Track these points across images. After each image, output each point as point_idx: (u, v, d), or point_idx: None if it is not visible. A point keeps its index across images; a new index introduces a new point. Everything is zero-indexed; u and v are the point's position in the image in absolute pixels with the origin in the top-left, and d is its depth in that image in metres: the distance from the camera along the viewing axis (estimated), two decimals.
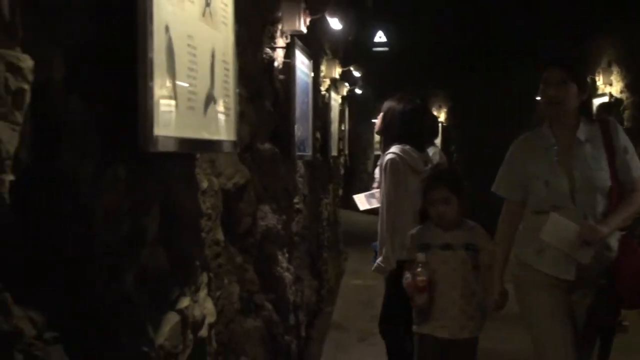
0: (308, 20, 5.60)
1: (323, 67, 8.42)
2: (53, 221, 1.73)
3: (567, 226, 3.76)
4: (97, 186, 1.89)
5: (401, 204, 4.94)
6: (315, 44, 7.28)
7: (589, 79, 10.50)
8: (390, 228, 4.94)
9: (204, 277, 2.89)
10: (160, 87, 2.00)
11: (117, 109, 1.94)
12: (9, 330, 1.54)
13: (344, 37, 9.97)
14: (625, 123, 9.64)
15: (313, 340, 7.04)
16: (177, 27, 2.14)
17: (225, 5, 2.71)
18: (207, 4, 2.46)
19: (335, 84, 9.47)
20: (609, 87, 10.33)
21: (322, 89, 8.41)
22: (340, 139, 11.37)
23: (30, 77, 1.56)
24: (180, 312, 2.50)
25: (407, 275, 4.08)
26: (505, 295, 4.01)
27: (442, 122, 17.99)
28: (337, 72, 9.00)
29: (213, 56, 2.52)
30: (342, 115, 11.57)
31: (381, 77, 15.93)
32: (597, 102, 10.55)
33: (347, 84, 11.18)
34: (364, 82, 14.71)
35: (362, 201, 6.34)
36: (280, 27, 5.26)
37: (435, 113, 18.16)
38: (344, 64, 10.60)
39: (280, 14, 5.22)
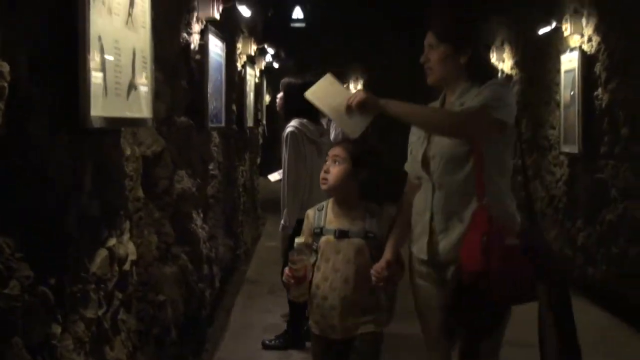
0: (221, 7, 6.33)
1: (239, 45, 9.16)
2: (22, 173, 2.48)
3: (339, 89, 3.58)
4: (50, 149, 2.65)
5: (300, 170, 5.78)
6: (232, 23, 8.03)
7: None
8: (291, 191, 5.78)
9: (127, 225, 3.67)
10: (95, 80, 2.77)
11: (65, 96, 2.71)
12: None
13: (261, 16, 10.72)
14: (515, 97, 10.61)
15: (228, 293, 7.85)
16: (106, 35, 2.91)
17: (144, 12, 3.48)
18: (129, 14, 3.23)
19: (251, 60, 10.19)
20: (502, 63, 11.29)
21: (239, 65, 9.15)
22: (259, 110, 12.08)
23: (8, 77, 2.31)
24: (109, 249, 3.28)
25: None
26: (392, 265, 3.55)
27: None
28: (252, 49, 9.74)
29: (134, 54, 3.30)
30: (260, 88, 12.30)
31: (302, 51, 16.66)
32: None
33: (267, 56, 11.78)
34: (286, 55, 15.44)
35: (274, 176, 7.04)
36: (196, 14, 5.99)
37: (352, 85, 19.00)
38: (263, 40, 11.35)
39: (196, 3, 5.95)
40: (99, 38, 2.81)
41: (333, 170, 3.77)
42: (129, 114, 3.28)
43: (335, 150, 3.81)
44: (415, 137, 3.62)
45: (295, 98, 5.68)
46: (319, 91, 3.63)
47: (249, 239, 10.58)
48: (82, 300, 2.94)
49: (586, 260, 7.94)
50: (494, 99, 3.32)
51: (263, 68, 12.18)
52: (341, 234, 3.71)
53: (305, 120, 5.82)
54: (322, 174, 3.83)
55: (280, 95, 6.12)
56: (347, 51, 17.31)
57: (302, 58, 17.05)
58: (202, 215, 6.17)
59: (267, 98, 13.53)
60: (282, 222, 5.79)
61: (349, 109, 3.44)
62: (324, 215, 3.81)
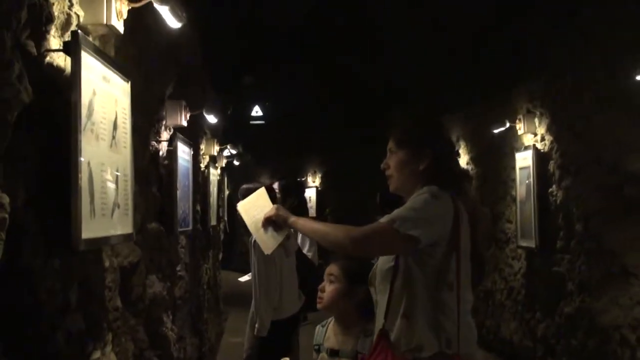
0: (188, 115, 6.55)
1: (203, 146, 9.39)
2: (17, 295, 2.63)
3: (264, 204, 3.68)
4: (42, 273, 2.80)
5: (270, 274, 5.94)
6: (196, 127, 8.25)
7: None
8: (263, 295, 5.92)
9: (109, 336, 3.79)
10: (85, 205, 2.94)
11: (57, 223, 2.87)
12: None
13: (222, 115, 10.98)
14: (471, 192, 10.92)
15: None
16: (94, 159, 3.09)
17: (125, 133, 3.67)
18: (113, 137, 3.42)
19: (213, 160, 10.40)
20: (458, 158, 11.62)
21: (202, 165, 9.35)
22: (220, 206, 12.26)
23: (8, 209, 2.47)
24: None
25: None
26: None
27: (317, 187, 19.11)
28: (215, 149, 9.96)
29: (117, 173, 3.48)
30: (221, 185, 12.50)
31: (261, 145, 16.98)
32: None
33: (228, 151, 12.01)
34: (244, 150, 15.70)
35: (245, 278, 7.17)
36: (164, 122, 6.20)
37: (310, 178, 19.29)
38: (224, 139, 11.60)
39: (164, 112, 6.17)
40: (88, 164, 2.99)
41: (328, 289, 3.73)
42: (113, 232, 3.44)
43: (331, 269, 3.76)
44: None
45: None
46: (248, 204, 3.75)
47: (213, 335, 10.63)
48: None
49: (546, 351, 8.12)
50: (407, 212, 3.16)
51: (224, 165, 12.41)
52: (332, 353, 3.67)
53: None
54: (319, 293, 3.77)
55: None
56: (305, 145, 17.63)
57: (262, 152, 17.37)
58: (171, 317, 6.27)
59: (227, 192, 13.71)
60: (256, 326, 5.90)
61: (264, 224, 3.55)
62: (325, 331, 3.80)
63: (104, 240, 3.36)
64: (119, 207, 3.50)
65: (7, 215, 2.44)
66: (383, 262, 3.28)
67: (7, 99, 2.46)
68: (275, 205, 3.57)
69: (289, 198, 6.93)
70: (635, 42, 6.05)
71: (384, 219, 3.17)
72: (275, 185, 6.84)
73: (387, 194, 4.09)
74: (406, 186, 3.37)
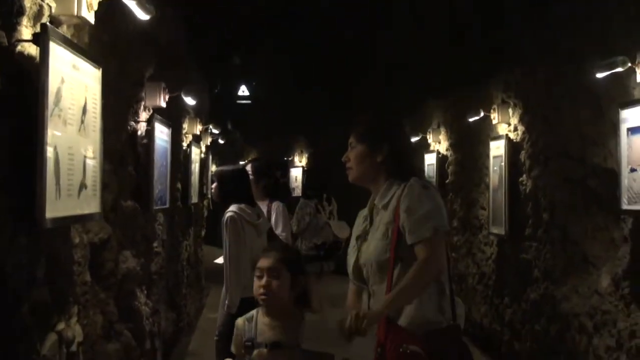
0: (167, 96, 6.73)
1: (185, 125, 9.56)
2: None
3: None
4: (9, 250, 3.01)
5: (241, 252, 6.12)
6: (178, 106, 8.43)
7: (417, 138, 12.04)
8: (233, 272, 6.10)
9: (74, 309, 4.01)
10: (50, 186, 3.14)
11: (23, 204, 3.07)
12: None
13: (208, 94, 11.17)
14: (450, 177, 11.14)
15: None
16: (61, 144, 3.29)
17: (95, 117, 3.86)
18: (82, 122, 3.61)
19: (197, 139, 10.57)
20: (438, 144, 11.83)
21: (184, 144, 9.53)
22: (204, 184, 12.42)
23: None
24: (58, 332, 3.63)
25: None
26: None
27: (303, 167, 19.32)
28: (197, 129, 10.12)
29: (85, 157, 3.68)
30: (206, 162, 12.67)
31: (249, 124, 17.14)
32: (427, 157, 12.08)
33: (210, 130, 12.15)
34: (233, 127, 15.87)
35: (220, 260, 7.33)
36: (143, 102, 6.38)
37: (297, 158, 19.48)
38: (209, 117, 11.77)
39: (143, 94, 6.35)
40: (55, 148, 3.19)
41: (274, 285, 3.73)
42: (79, 211, 3.65)
43: (269, 263, 3.76)
44: (351, 245, 3.72)
45: (229, 185, 6.09)
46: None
47: (192, 310, 10.86)
48: None
49: (512, 335, 8.35)
50: (426, 214, 3.43)
51: (209, 143, 12.57)
52: (274, 346, 3.67)
53: (243, 205, 6.18)
54: (260, 290, 3.75)
55: (214, 185, 6.46)
56: (291, 126, 17.78)
57: (248, 131, 17.52)
58: (145, 291, 6.48)
59: (213, 168, 13.84)
60: (226, 302, 6.09)
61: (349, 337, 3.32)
62: (254, 326, 3.76)
63: (71, 219, 3.57)
64: (86, 187, 3.70)
65: None
66: (378, 254, 3.49)
67: None
68: (353, 312, 3.29)
69: (262, 179, 7.11)
70: (602, 39, 6.22)
71: (427, 233, 3.39)
72: (249, 168, 7.01)
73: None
74: (365, 177, 3.68)
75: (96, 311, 4.78)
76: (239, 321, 3.88)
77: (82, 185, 3.65)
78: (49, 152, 3.11)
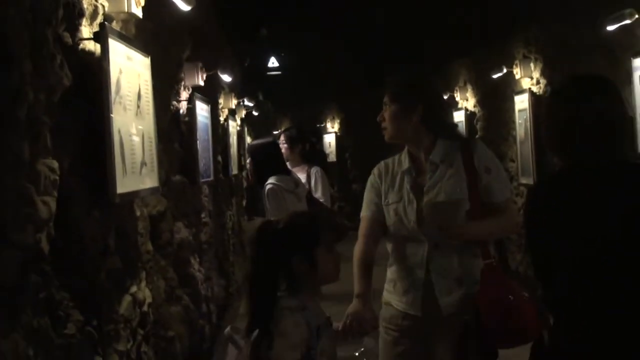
0: (204, 75, 7.14)
1: (221, 100, 9.97)
2: (66, 241, 3.28)
3: None
4: (86, 222, 3.46)
5: None
6: (214, 83, 8.85)
7: (445, 96, 12.33)
8: None
9: (142, 274, 4.47)
10: (118, 165, 3.58)
11: (96, 182, 3.52)
12: (51, 298, 3.09)
13: (239, 68, 11.56)
14: (479, 133, 11.48)
15: (223, 328, 8.53)
16: (123, 128, 3.72)
17: (148, 101, 4.29)
18: (138, 106, 4.05)
19: (232, 113, 10.97)
20: (466, 102, 12.16)
21: (221, 119, 9.94)
22: (242, 155, 12.82)
23: (58, 172, 3.10)
24: (132, 295, 4.10)
25: None
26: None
27: (336, 132, 19.72)
28: (233, 103, 10.53)
29: (143, 137, 4.12)
30: (242, 134, 13.07)
31: (280, 95, 17.49)
32: (456, 115, 12.39)
33: (243, 103, 12.52)
34: (265, 98, 16.23)
35: None
36: (183, 82, 6.80)
37: (329, 124, 19.86)
38: (242, 92, 12.17)
39: (183, 74, 6.77)
40: (119, 131, 3.63)
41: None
42: (142, 186, 4.09)
43: None
44: (397, 198, 3.65)
45: (262, 157, 6.56)
46: None
47: (240, 277, 11.31)
48: (115, 337, 3.74)
49: None
50: (503, 179, 3.69)
51: (244, 116, 12.94)
52: None
53: (279, 176, 6.59)
54: None
55: (249, 160, 6.86)
56: (322, 94, 18.09)
57: (281, 101, 17.89)
58: (198, 259, 6.94)
59: (248, 139, 14.19)
60: None
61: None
62: None
63: (135, 193, 4.03)
64: (145, 165, 4.14)
65: (57, 177, 3.08)
66: (454, 204, 3.51)
67: (52, 85, 3.09)
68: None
69: (297, 146, 7.52)
70: None
71: (509, 193, 3.68)
72: (282, 137, 7.43)
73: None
74: (401, 135, 3.68)
75: (159, 277, 5.24)
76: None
77: (142, 163, 4.08)
78: (115, 135, 3.55)
